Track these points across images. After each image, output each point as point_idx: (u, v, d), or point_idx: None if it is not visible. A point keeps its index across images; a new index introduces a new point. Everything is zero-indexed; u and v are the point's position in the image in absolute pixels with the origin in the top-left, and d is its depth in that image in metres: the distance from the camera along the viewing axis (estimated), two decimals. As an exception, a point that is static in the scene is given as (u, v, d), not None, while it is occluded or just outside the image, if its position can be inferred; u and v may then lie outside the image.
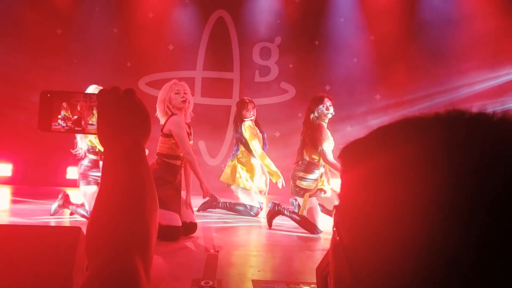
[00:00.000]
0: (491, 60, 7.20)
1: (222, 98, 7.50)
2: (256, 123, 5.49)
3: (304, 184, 4.58)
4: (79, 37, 7.36)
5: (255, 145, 5.27)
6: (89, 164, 4.48)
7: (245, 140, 5.32)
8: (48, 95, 0.84)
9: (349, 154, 0.46)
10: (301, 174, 4.59)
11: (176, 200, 4.02)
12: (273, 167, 5.18)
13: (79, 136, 4.47)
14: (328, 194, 4.57)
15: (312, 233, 4.43)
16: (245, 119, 5.39)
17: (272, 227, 4.69)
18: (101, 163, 4.48)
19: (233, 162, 5.38)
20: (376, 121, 7.09)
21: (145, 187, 0.74)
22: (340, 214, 0.45)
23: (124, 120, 0.77)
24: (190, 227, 4.10)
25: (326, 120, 4.63)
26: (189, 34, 7.68)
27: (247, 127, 5.33)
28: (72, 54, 7.31)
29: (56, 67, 6.99)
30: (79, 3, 7.41)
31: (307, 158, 4.59)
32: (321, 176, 4.57)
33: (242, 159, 5.39)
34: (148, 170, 0.77)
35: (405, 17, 7.51)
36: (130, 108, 0.78)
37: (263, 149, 5.34)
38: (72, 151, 4.56)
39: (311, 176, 4.57)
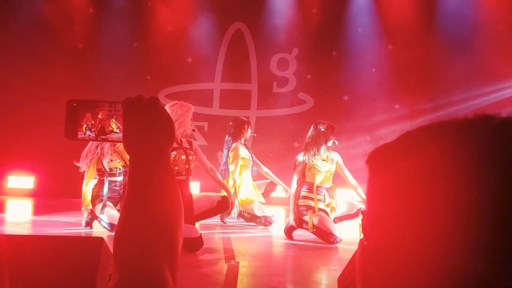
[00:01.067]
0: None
1: (240, 110, 7.54)
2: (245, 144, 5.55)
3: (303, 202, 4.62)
4: (100, 51, 7.50)
5: (231, 168, 5.33)
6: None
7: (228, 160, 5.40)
8: (74, 104, 0.86)
9: (378, 159, 0.45)
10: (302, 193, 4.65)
11: (189, 213, 4.03)
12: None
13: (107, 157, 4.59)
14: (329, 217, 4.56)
15: (330, 242, 4.39)
16: (238, 140, 5.44)
17: (292, 238, 4.68)
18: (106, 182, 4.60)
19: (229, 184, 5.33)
20: (396, 131, 7.02)
21: (170, 194, 0.76)
22: (369, 219, 0.45)
23: (149, 127, 0.79)
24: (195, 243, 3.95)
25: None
26: (207, 46, 7.76)
27: (234, 149, 5.37)
28: (93, 68, 7.44)
29: (78, 81, 7.13)
30: (99, 17, 7.56)
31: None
32: (325, 200, 4.59)
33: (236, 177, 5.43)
34: (173, 177, 0.78)
35: (423, 25, 7.47)
36: (154, 115, 0.79)
37: (251, 170, 5.45)
38: (76, 163, 4.64)
39: (312, 195, 4.60)
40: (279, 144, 7.28)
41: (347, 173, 4.74)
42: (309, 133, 4.68)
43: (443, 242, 0.37)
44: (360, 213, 0.44)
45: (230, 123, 5.66)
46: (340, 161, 4.75)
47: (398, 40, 7.58)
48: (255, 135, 6.12)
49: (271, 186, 5.73)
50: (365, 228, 0.46)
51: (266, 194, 5.76)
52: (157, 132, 0.79)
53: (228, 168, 5.46)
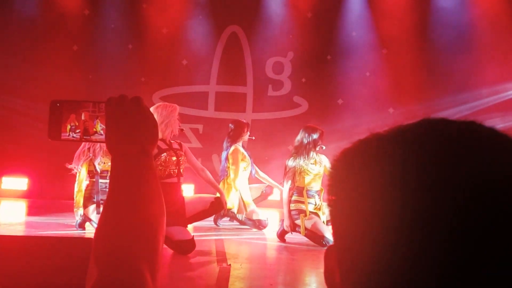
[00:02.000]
0: (504, 74, 7.14)
1: (235, 112, 7.55)
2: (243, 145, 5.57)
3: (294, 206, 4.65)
4: (95, 53, 7.49)
5: (234, 171, 5.35)
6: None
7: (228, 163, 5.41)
8: (58, 104, 0.85)
9: (342, 165, 0.47)
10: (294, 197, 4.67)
11: (181, 215, 4.02)
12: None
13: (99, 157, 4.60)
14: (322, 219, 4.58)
15: (322, 245, 4.41)
16: (237, 142, 5.45)
17: (285, 241, 4.69)
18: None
19: (224, 187, 5.31)
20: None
21: (152, 194, 0.75)
22: (332, 219, 0.47)
23: (131, 127, 0.78)
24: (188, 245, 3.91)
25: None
26: (203, 49, 7.77)
27: (233, 152, 5.38)
28: (88, 70, 7.44)
29: (72, 82, 7.12)
30: (94, 19, 7.56)
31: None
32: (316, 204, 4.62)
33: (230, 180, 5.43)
34: (156, 177, 0.77)
35: (417, 30, 7.51)
36: (137, 115, 0.79)
37: (250, 171, 5.47)
38: (68, 165, 4.64)
39: (302, 199, 4.63)
40: (274, 147, 7.29)
41: None
42: (298, 137, 4.70)
43: (392, 246, 0.39)
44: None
45: (230, 125, 5.67)
46: (328, 164, 4.77)
47: (392, 45, 7.62)
48: (254, 137, 6.14)
49: (268, 190, 5.74)
50: (332, 226, 0.47)
51: (263, 197, 5.76)
52: (140, 132, 0.78)
53: (226, 169, 5.46)
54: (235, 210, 5.35)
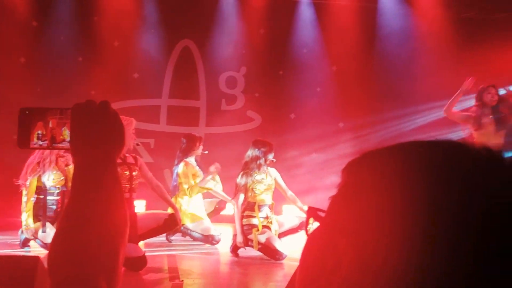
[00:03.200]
0: (448, 88, 7.48)
1: (188, 126, 7.51)
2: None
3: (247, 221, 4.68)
4: (43, 65, 7.28)
5: (185, 188, 5.34)
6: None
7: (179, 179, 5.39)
8: (27, 112, 0.84)
9: (352, 170, 0.48)
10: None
11: (133, 231, 3.96)
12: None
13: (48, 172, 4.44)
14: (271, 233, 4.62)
15: (275, 259, 4.44)
16: (189, 157, 5.44)
17: (238, 255, 4.69)
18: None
19: (177, 202, 5.24)
20: (340, 148, 7.23)
21: (114, 204, 0.72)
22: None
23: (96, 132, 0.76)
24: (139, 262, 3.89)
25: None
26: (155, 62, 7.71)
27: (183, 171, 5.36)
28: (36, 83, 7.22)
29: (19, 95, 6.87)
30: (43, 31, 7.36)
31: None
32: (266, 217, 4.66)
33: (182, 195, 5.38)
34: (120, 185, 0.75)
35: (365, 47, 7.76)
36: (103, 119, 0.77)
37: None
38: (16, 182, 4.48)
39: (254, 214, 4.67)
40: (228, 161, 7.29)
41: (285, 187, 4.84)
42: (248, 152, 4.74)
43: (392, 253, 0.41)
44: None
45: (182, 139, 5.63)
46: (278, 176, 4.84)
47: (342, 62, 7.85)
48: (207, 152, 6.12)
49: (221, 205, 5.73)
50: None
51: (216, 212, 5.74)
52: (105, 137, 0.77)
53: (178, 185, 5.42)
54: (189, 225, 5.30)
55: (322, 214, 0.50)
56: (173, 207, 4.48)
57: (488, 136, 5.00)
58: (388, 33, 7.79)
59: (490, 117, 5.05)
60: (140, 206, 6.35)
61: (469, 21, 7.62)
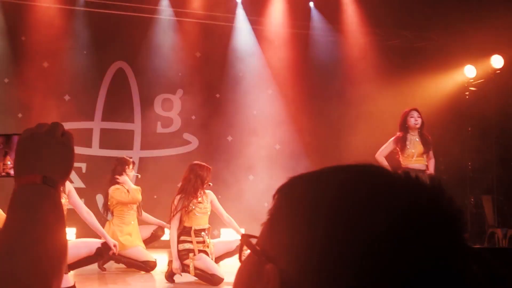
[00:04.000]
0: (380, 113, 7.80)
1: (122, 150, 7.31)
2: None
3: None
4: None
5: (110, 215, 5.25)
6: None
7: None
8: None
9: (288, 191, 0.50)
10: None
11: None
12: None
13: None
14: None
15: (212, 284, 4.36)
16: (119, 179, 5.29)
17: (174, 282, 4.56)
18: None
19: (110, 228, 5.10)
20: (277, 170, 7.30)
21: (51, 228, 0.69)
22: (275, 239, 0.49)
23: (38, 156, 0.74)
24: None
25: None
26: (87, 84, 7.48)
27: (111, 196, 5.23)
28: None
29: None
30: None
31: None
32: (203, 241, 4.58)
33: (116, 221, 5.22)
34: (59, 209, 0.72)
35: (299, 71, 7.98)
36: (47, 144, 0.75)
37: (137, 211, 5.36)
38: None
39: (190, 239, 4.59)
40: (163, 184, 7.15)
41: (221, 210, 4.81)
42: (185, 175, 4.68)
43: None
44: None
45: (114, 162, 5.49)
46: (215, 199, 4.81)
47: (277, 84, 8.00)
48: (139, 175, 5.96)
49: (159, 231, 5.58)
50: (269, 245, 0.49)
51: (153, 238, 5.58)
52: (47, 161, 0.74)
53: (108, 211, 5.24)
54: (124, 252, 5.09)
55: (255, 241, 0.51)
56: (104, 236, 4.32)
57: (413, 159, 5.21)
58: (320, 59, 8.06)
59: (416, 139, 5.28)
60: (70, 234, 6.05)
61: (395, 48, 8.06)
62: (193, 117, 7.80)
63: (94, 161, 7.28)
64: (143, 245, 5.26)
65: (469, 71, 7.88)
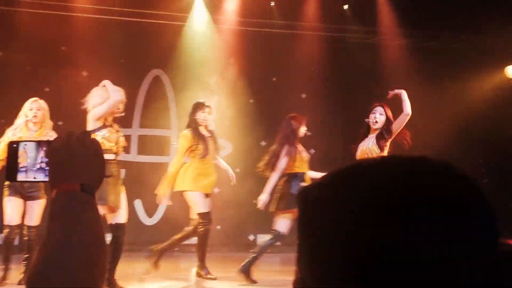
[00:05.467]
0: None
1: (160, 155, 7.44)
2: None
3: None
4: (8, 96, 7.15)
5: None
6: None
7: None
8: (14, 145, 0.86)
9: (309, 197, 0.52)
10: None
11: None
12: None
13: None
14: None
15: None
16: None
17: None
18: None
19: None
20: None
21: (90, 234, 0.72)
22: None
23: (73, 164, 0.77)
24: None
25: None
26: (125, 92, 7.63)
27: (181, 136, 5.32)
28: (0, 115, 7.06)
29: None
30: (8, 61, 7.25)
31: None
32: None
33: None
34: (97, 215, 0.76)
35: (336, 76, 7.91)
36: (80, 152, 0.78)
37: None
38: None
39: None
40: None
41: None
42: (283, 128, 5.11)
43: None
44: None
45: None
46: None
47: (311, 89, 7.97)
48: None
49: None
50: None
51: None
52: (82, 169, 0.77)
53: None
54: None
55: None
56: None
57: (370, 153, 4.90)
58: (355, 62, 7.98)
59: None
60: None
61: (432, 50, 7.90)
62: (227, 123, 7.86)
63: (132, 167, 7.44)
64: None
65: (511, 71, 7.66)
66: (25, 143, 0.87)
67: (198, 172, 5.20)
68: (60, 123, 7.36)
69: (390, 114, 4.75)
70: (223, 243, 7.46)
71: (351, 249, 0.44)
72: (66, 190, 0.75)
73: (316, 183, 0.53)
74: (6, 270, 4.44)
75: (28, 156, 0.86)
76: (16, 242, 4.87)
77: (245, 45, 7.85)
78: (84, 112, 7.23)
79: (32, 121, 4.81)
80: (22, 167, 0.85)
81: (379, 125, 4.68)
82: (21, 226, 4.49)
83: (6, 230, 4.48)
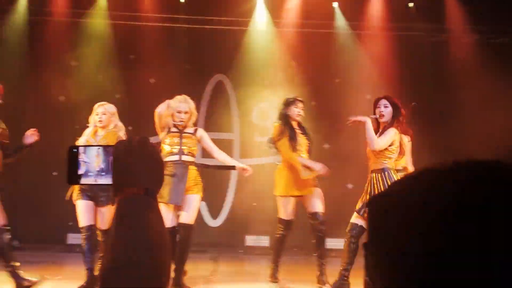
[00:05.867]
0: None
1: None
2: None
3: None
4: (81, 103, 7.56)
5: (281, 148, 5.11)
6: None
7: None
8: (74, 150, 0.89)
9: (377, 207, 0.53)
10: None
11: None
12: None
13: None
14: None
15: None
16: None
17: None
18: None
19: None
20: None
21: (156, 237, 0.75)
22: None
23: (136, 169, 0.80)
24: None
25: None
26: (190, 97, 7.85)
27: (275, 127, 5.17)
28: (74, 121, 7.46)
29: (58, 133, 7.11)
30: (81, 70, 7.64)
31: None
32: None
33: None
34: (161, 219, 0.79)
35: (401, 76, 7.69)
36: (142, 157, 0.80)
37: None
38: None
39: None
40: (262, 192, 7.28)
41: None
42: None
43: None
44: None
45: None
46: None
47: (375, 90, 7.76)
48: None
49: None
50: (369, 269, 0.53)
51: None
52: (144, 174, 0.80)
53: None
54: None
55: None
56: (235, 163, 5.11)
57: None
58: (422, 61, 7.71)
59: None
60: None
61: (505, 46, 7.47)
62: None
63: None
64: None
65: None
66: (84, 147, 0.91)
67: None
68: (130, 128, 7.69)
69: (394, 101, 4.54)
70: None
71: (428, 256, 0.44)
72: (132, 194, 0.78)
73: (387, 191, 0.53)
74: (90, 270, 4.50)
75: (88, 160, 0.88)
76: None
77: (306, 47, 7.81)
78: (153, 117, 7.54)
79: (98, 125, 4.88)
80: (83, 171, 0.88)
81: (387, 118, 4.50)
82: (93, 227, 4.59)
83: (81, 232, 4.61)
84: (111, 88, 7.69)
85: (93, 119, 4.92)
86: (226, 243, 7.60)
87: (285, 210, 4.99)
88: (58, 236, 7.30)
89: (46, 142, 5.30)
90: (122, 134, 4.97)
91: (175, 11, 7.84)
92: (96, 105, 5.01)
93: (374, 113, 4.69)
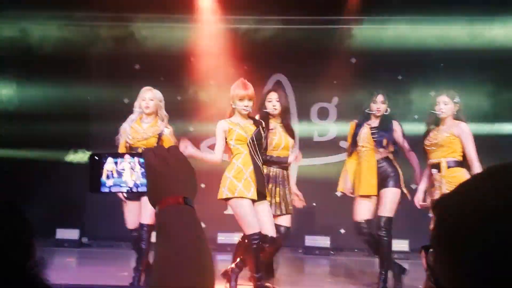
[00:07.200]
0: None
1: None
2: None
3: None
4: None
5: None
6: None
7: None
8: (96, 158, 0.87)
9: (443, 208, 0.55)
10: None
11: None
12: None
13: None
14: None
15: None
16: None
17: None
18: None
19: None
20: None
21: (198, 246, 0.74)
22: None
23: (171, 178, 0.78)
24: None
25: None
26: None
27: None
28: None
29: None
30: (145, 74, 7.90)
31: None
32: None
33: None
34: (200, 226, 0.77)
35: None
36: (175, 165, 0.79)
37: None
38: None
39: None
40: (321, 192, 7.21)
41: None
42: None
43: None
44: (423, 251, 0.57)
45: None
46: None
47: (440, 86, 7.46)
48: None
49: None
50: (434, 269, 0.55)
51: None
52: (180, 183, 0.78)
53: None
54: None
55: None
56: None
57: None
58: (493, 54, 7.29)
59: None
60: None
61: None
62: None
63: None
64: None
65: None
66: (106, 154, 0.87)
67: None
68: (191, 129, 7.85)
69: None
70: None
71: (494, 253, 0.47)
72: (172, 203, 0.76)
73: (452, 192, 0.55)
74: (137, 271, 4.45)
75: (111, 167, 0.86)
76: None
77: (367, 44, 7.63)
78: (213, 119, 7.65)
79: (144, 112, 4.50)
80: (105, 179, 0.86)
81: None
82: (139, 228, 4.42)
83: (132, 233, 4.52)
84: (172, 89, 7.85)
85: (140, 104, 4.54)
86: (296, 244, 7.57)
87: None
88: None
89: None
90: (166, 123, 4.68)
91: (233, 12, 7.89)
92: (142, 90, 4.62)
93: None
